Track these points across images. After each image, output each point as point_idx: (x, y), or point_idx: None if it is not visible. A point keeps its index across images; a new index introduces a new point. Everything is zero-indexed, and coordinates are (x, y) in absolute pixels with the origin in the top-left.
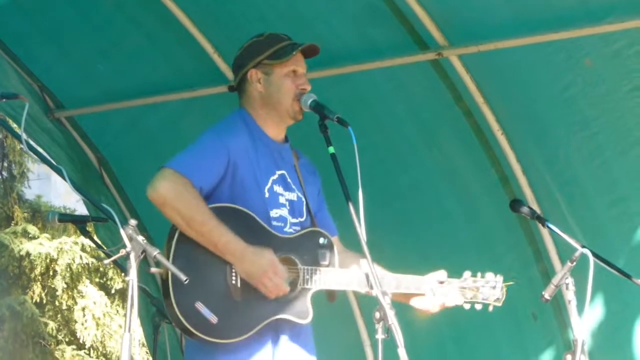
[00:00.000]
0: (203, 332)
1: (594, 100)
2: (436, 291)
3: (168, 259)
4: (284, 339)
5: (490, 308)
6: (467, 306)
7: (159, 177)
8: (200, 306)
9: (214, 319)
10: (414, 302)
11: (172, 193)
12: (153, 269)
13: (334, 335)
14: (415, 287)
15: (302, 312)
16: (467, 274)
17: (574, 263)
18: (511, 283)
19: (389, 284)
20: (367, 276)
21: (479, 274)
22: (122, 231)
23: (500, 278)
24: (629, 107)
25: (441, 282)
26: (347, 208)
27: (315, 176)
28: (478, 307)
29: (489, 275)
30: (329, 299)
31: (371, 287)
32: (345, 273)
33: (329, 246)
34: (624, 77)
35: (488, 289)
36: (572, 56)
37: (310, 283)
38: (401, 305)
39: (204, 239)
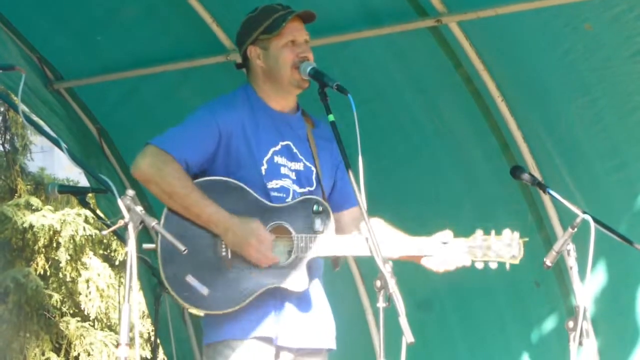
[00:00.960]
0: (195, 304)
1: (594, 66)
2: (441, 252)
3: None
4: (288, 305)
5: (507, 266)
6: (479, 265)
7: (140, 154)
8: (190, 279)
9: (204, 290)
10: (424, 262)
11: (153, 169)
12: (146, 246)
13: (335, 304)
14: (417, 249)
15: (298, 280)
16: (478, 232)
17: (575, 229)
18: (526, 239)
19: (391, 247)
20: (367, 241)
21: (492, 232)
22: (119, 202)
23: (516, 234)
24: (630, 72)
25: (444, 243)
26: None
27: (333, 144)
28: (493, 265)
29: (505, 232)
30: (333, 266)
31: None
32: (340, 239)
33: (324, 213)
34: (624, 42)
35: (502, 246)
36: (571, 21)
37: (305, 251)
38: (401, 273)
39: (188, 212)
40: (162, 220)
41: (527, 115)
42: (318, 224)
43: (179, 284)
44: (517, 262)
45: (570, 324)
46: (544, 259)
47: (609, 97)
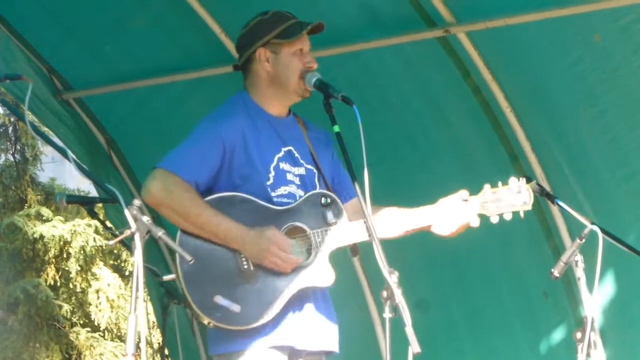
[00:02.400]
0: (230, 323)
1: (603, 76)
2: (461, 208)
3: (174, 263)
4: (307, 307)
5: (522, 214)
6: (494, 219)
7: (149, 178)
8: (219, 299)
9: (236, 307)
10: (435, 229)
11: (164, 192)
12: (166, 277)
13: (343, 314)
14: (440, 211)
15: (324, 275)
16: (486, 187)
17: (583, 240)
18: (533, 182)
19: (405, 221)
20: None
21: (499, 183)
22: (126, 212)
23: (523, 180)
24: (638, 82)
25: (465, 200)
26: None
27: (327, 145)
28: (508, 216)
29: (512, 180)
30: (352, 254)
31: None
32: (355, 225)
33: (333, 203)
34: (633, 52)
35: (512, 195)
36: (580, 32)
37: (324, 244)
38: (410, 286)
39: (204, 232)
40: (177, 243)
41: (535, 126)
42: (330, 215)
43: (209, 306)
44: (529, 207)
45: (578, 335)
46: (552, 270)
47: (618, 108)
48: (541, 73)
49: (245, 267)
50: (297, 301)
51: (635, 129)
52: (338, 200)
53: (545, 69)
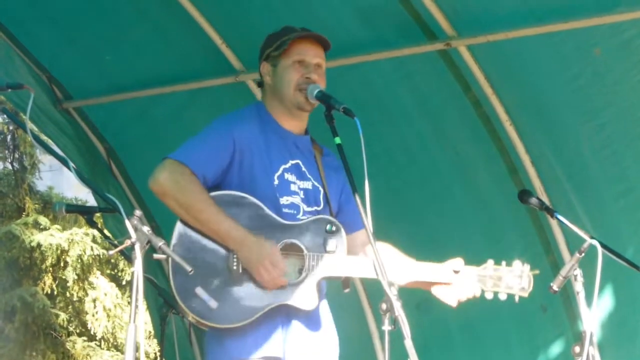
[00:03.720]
0: (202, 317)
1: (603, 90)
2: (453, 280)
3: (169, 245)
4: (295, 323)
5: (517, 298)
6: (489, 295)
7: (159, 168)
8: (200, 291)
9: (213, 303)
10: (435, 291)
11: (171, 183)
12: (156, 255)
13: (342, 327)
14: (429, 276)
15: (307, 298)
16: (489, 262)
17: (583, 254)
18: (537, 272)
19: (402, 272)
20: (374, 265)
21: (503, 263)
22: (127, 222)
23: (527, 267)
24: (638, 97)
25: (456, 272)
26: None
27: (337, 172)
28: (502, 297)
29: (516, 263)
30: (343, 287)
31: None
32: (352, 260)
33: (337, 233)
34: (633, 67)
35: (512, 277)
36: (581, 46)
37: (316, 269)
38: (408, 296)
39: (205, 227)
40: (175, 232)
41: (535, 139)
42: (331, 243)
43: (187, 295)
44: (526, 295)
45: (577, 349)
46: (551, 284)
47: (618, 122)
48: (541, 87)
49: (235, 267)
50: (285, 317)
51: (633, 144)
52: (343, 232)
53: (546, 82)
